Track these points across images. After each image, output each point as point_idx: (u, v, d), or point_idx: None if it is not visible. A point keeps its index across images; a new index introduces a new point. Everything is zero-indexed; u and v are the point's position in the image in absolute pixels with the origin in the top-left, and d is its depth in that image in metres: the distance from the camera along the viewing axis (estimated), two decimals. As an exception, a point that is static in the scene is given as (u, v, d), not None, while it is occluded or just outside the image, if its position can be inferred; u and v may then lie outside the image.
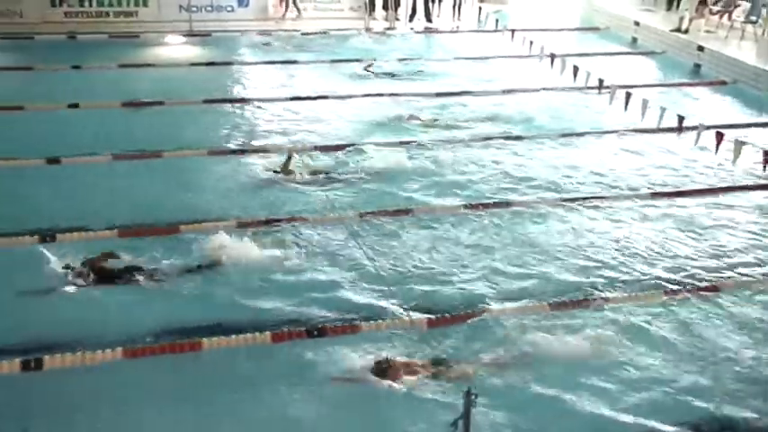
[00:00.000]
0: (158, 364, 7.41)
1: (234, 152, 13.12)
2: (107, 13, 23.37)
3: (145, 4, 23.48)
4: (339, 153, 13.04)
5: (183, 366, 7.40)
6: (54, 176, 11.79)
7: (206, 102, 15.68)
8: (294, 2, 24.50)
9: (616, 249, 10.09)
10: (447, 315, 8.34)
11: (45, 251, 9.17)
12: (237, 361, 7.55)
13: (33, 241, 9.61)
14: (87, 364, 7.29)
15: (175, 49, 20.80)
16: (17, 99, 15.17)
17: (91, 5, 23.22)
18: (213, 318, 8.16)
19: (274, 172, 12.06)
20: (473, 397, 5.71)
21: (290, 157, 12.22)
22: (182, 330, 7.92)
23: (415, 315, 8.30)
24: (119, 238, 9.82)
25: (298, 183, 11.84)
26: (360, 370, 7.30)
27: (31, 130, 13.85)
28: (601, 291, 9.02)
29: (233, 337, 7.76)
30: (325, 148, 13.29)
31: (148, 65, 18.80)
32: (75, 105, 15.05)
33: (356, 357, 7.48)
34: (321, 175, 12.12)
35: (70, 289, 8.62)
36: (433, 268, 9.45)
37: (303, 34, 22.57)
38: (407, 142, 13.69)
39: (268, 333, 7.86)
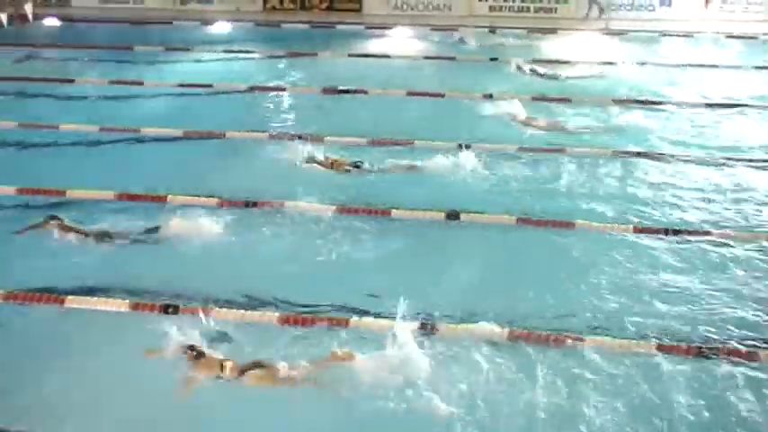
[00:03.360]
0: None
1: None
2: (528, 9, 24.29)
3: (565, 2, 23.95)
4: (396, 148, 12.72)
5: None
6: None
7: (617, 102, 15.53)
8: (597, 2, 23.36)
9: None
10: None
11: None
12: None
13: (439, 216, 10.42)
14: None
15: (589, 46, 20.86)
16: (440, 87, 16.40)
17: (514, 1, 24.29)
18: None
19: (308, 161, 11.97)
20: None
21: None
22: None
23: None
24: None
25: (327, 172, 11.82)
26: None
27: (446, 115, 14.87)
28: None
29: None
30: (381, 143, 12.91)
31: (563, 62, 19.10)
32: (490, 96, 15.85)
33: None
34: (353, 168, 11.87)
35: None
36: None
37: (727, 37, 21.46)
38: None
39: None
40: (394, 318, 7.83)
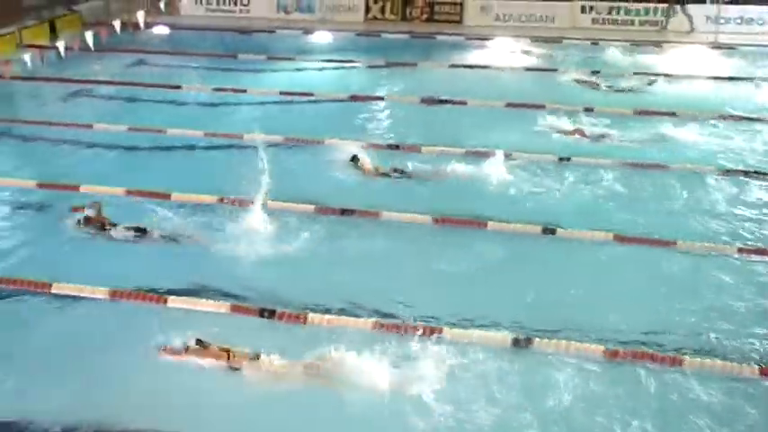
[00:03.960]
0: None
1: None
2: (632, 21, 23.79)
3: (673, 14, 23.36)
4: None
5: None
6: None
7: (724, 117, 15.05)
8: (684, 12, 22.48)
9: None
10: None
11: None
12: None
13: (536, 231, 10.36)
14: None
15: (699, 60, 20.26)
16: (538, 98, 16.23)
17: (618, 14, 23.85)
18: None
19: (352, 160, 12.41)
20: None
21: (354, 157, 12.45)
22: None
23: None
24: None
25: (365, 176, 12.20)
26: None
27: (545, 127, 14.67)
28: None
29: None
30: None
31: (670, 75, 18.57)
32: (591, 110, 15.56)
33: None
34: (393, 173, 12.19)
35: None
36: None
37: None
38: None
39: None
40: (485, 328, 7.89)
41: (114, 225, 10.24)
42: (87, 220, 10.32)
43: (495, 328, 8.07)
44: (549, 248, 10.05)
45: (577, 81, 17.87)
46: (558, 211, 11.01)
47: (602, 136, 14.09)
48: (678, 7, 23.05)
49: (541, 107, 15.65)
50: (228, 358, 7.56)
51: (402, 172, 12.21)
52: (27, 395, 7.20)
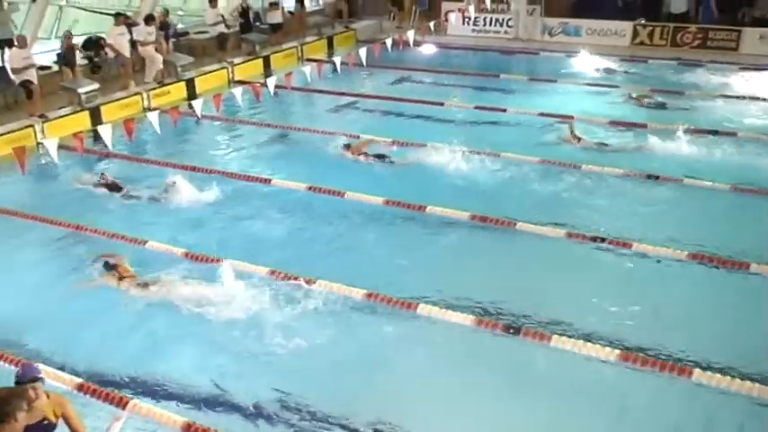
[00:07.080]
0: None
1: None
2: None
3: None
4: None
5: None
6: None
7: None
8: None
9: None
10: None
11: None
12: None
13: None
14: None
15: None
16: None
17: None
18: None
19: (345, 146, 14.49)
20: None
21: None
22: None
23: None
24: None
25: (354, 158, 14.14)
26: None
27: None
28: None
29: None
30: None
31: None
32: None
33: None
34: (377, 159, 14.05)
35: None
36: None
37: None
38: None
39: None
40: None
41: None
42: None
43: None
44: None
45: None
46: None
47: None
48: None
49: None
50: (120, 280, 9.37)
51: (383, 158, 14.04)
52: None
